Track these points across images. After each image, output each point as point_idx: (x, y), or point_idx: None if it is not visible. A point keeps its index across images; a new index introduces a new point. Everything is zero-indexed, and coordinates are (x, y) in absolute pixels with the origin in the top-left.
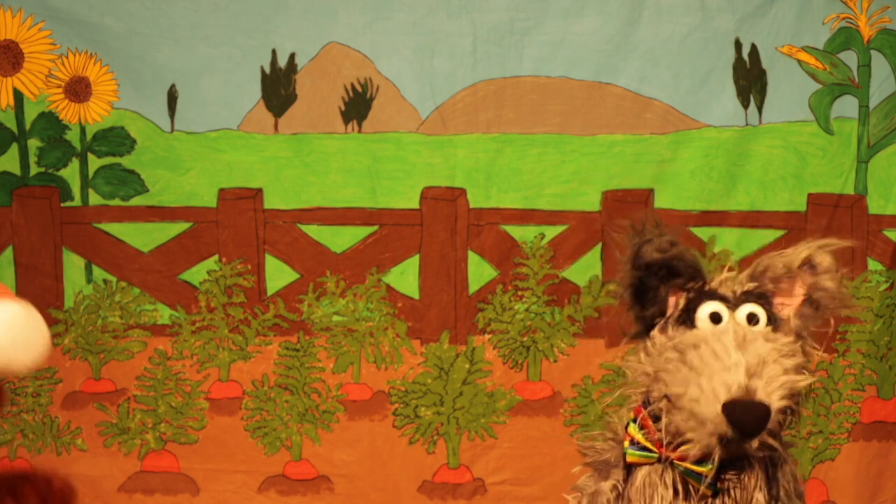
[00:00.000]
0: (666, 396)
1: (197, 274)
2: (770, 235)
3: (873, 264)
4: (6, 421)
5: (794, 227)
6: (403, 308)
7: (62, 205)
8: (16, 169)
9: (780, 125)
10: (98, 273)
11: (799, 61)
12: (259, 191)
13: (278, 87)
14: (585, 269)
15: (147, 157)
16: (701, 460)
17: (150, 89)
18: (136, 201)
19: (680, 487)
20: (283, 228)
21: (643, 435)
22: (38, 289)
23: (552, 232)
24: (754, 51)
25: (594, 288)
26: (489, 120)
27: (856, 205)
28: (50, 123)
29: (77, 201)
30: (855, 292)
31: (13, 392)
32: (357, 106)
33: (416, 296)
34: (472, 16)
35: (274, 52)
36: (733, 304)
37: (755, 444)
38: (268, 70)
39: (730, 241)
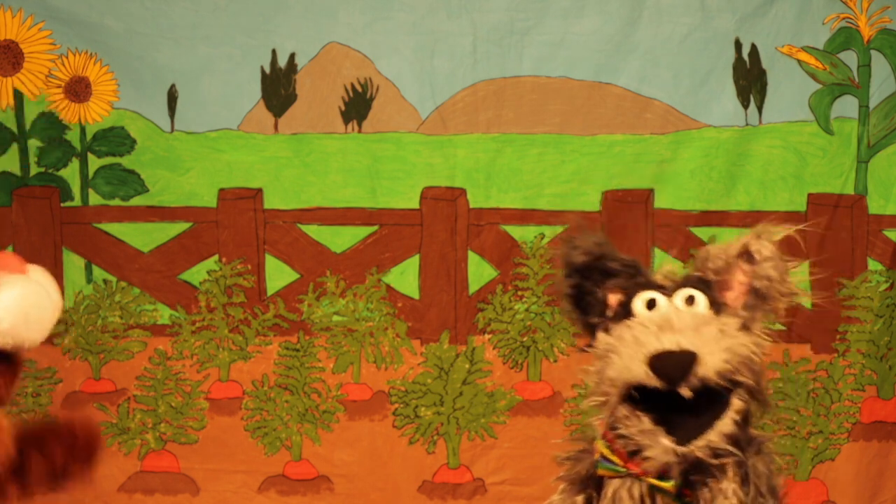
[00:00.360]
0: (610, 386)
1: (197, 274)
2: None
3: (873, 264)
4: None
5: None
6: (403, 308)
7: (62, 205)
8: (16, 169)
9: (780, 125)
10: (98, 273)
11: (799, 61)
12: (259, 191)
13: (278, 87)
14: None
15: (147, 157)
16: (664, 476)
17: (150, 89)
18: (136, 201)
19: (647, 501)
20: (283, 228)
21: (608, 448)
22: None
23: (552, 232)
24: (754, 51)
25: None
26: (489, 120)
27: (856, 205)
28: (50, 123)
29: (77, 201)
30: (855, 292)
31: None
32: (357, 106)
33: (416, 296)
34: (472, 16)
35: (274, 52)
36: (671, 291)
37: (686, 391)
38: (268, 70)
39: None
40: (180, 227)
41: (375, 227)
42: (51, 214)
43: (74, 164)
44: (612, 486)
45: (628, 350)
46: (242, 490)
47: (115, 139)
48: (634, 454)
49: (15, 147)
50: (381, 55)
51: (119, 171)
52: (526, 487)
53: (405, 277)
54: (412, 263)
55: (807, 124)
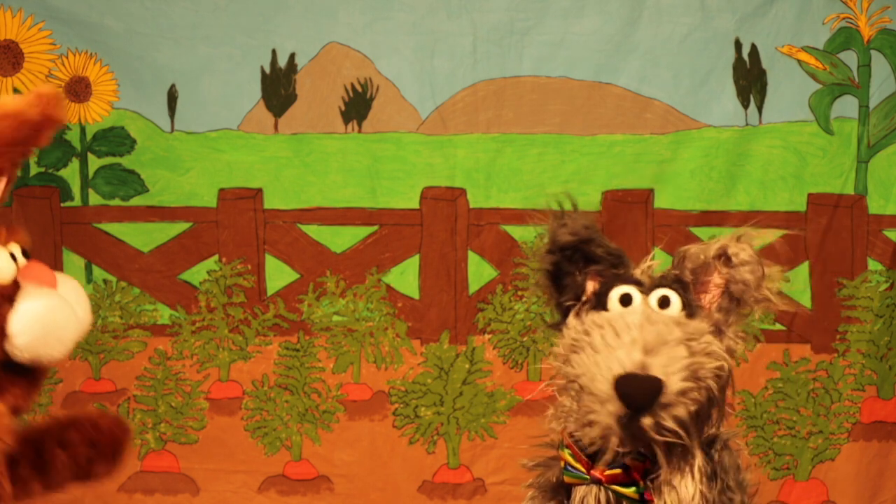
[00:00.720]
0: (575, 380)
1: (197, 274)
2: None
3: (873, 264)
4: None
5: (794, 227)
6: (403, 308)
7: (62, 205)
8: None
9: (780, 125)
10: (98, 273)
11: (799, 61)
12: (259, 191)
13: (278, 87)
14: None
15: (147, 157)
16: (628, 483)
17: (150, 89)
18: (136, 201)
19: None
20: (283, 228)
21: (571, 456)
22: None
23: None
24: (754, 51)
25: None
26: (489, 120)
27: (856, 205)
28: None
29: (77, 201)
30: (855, 292)
31: None
32: (357, 106)
33: (416, 296)
34: (472, 16)
35: (274, 52)
36: (647, 289)
37: (648, 421)
38: (268, 70)
39: None
40: (180, 227)
41: (375, 227)
42: (51, 214)
43: (74, 164)
44: (579, 493)
45: (596, 359)
46: (242, 490)
47: (115, 139)
48: (594, 458)
49: None
50: (381, 55)
51: (119, 171)
52: None
53: (405, 277)
54: (412, 263)
55: (807, 124)
